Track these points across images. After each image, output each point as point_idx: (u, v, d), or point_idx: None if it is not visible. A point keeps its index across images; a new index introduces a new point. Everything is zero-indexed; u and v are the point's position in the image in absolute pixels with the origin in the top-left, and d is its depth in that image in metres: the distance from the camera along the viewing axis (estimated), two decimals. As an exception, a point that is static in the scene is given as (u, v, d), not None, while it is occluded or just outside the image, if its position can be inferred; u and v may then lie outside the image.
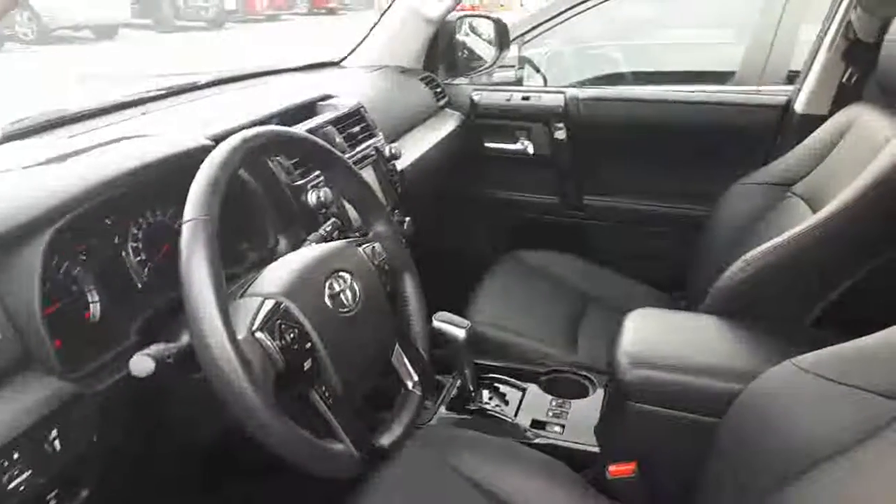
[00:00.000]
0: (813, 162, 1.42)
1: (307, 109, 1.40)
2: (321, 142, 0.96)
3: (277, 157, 1.11)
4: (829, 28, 1.60)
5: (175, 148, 0.95)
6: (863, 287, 1.18)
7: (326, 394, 0.79)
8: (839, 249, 1.16)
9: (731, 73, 2.56)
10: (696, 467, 0.99)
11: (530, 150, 1.98)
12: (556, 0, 2.22)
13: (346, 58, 1.96)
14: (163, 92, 1.37)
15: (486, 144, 2.04)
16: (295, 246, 1.05)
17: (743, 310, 1.19)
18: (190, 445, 0.93)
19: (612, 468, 1.11)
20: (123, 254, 0.88)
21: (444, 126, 1.89)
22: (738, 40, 2.80)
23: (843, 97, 1.56)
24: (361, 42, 1.97)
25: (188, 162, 0.88)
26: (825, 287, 1.20)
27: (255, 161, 1.04)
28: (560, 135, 1.93)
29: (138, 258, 0.89)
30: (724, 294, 1.22)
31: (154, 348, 0.71)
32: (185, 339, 0.77)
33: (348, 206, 1.20)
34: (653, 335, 1.17)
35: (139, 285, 0.89)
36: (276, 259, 0.88)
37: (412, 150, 1.63)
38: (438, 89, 1.95)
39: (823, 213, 1.15)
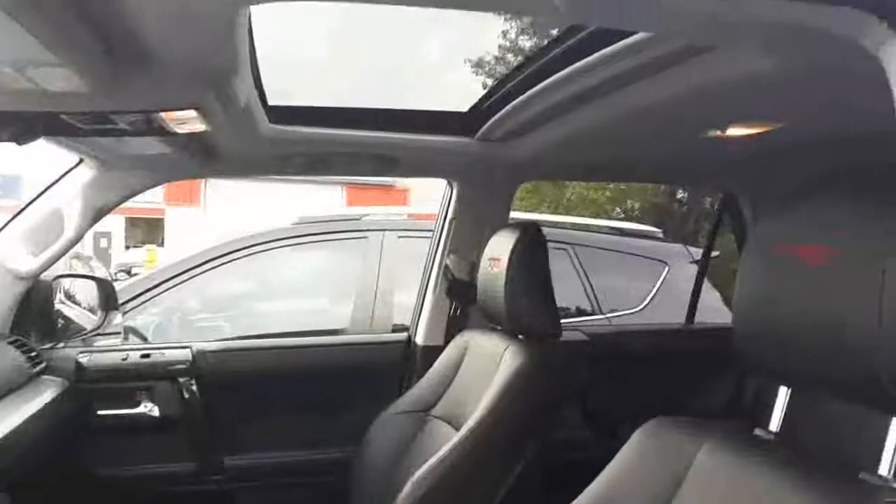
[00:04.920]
0: (442, 386, 1.57)
1: None
2: None
3: None
4: (431, 272, 1.90)
5: None
6: (523, 479, 1.28)
7: None
8: (490, 456, 1.26)
9: (343, 330, 2.77)
10: None
11: (155, 412, 1.75)
12: (151, 272, 2.21)
13: None
14: None
15: (99, 412, 1.73)
16: None
17: None
18: None
19: None
20: None
21: (41, 396, 1.55)
22: (336, 305, 3.07)
23: (454, 326, 1.81)
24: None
25: None
26: (490, 490, 1.27)
27: None
28: (190, 392, 1.76)
29: None
30: None
31: None
32: None
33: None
34: None
35: None
36: None
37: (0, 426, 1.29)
38: (33, 353, 1.63)
39: (465, 429, 1.27)
